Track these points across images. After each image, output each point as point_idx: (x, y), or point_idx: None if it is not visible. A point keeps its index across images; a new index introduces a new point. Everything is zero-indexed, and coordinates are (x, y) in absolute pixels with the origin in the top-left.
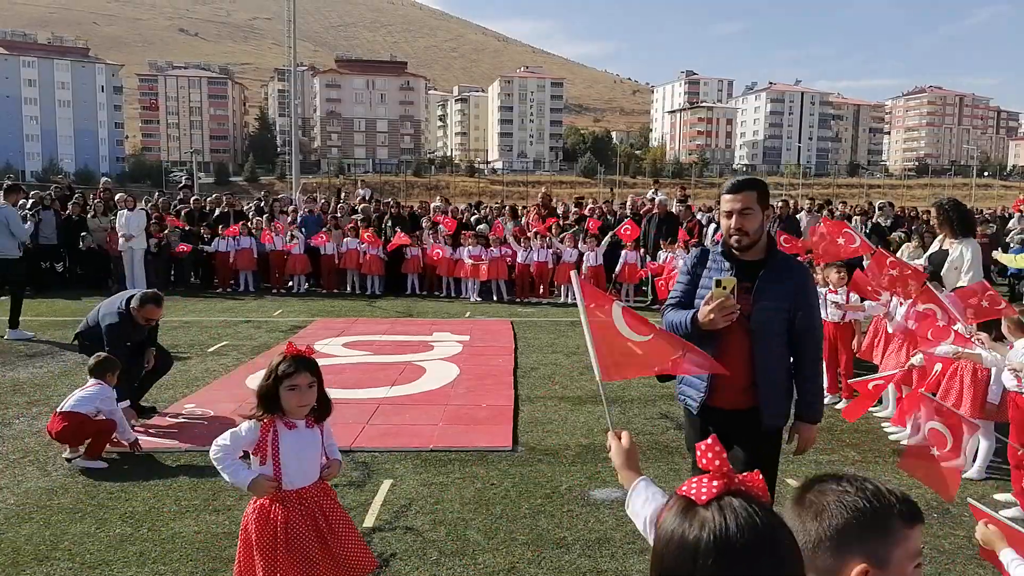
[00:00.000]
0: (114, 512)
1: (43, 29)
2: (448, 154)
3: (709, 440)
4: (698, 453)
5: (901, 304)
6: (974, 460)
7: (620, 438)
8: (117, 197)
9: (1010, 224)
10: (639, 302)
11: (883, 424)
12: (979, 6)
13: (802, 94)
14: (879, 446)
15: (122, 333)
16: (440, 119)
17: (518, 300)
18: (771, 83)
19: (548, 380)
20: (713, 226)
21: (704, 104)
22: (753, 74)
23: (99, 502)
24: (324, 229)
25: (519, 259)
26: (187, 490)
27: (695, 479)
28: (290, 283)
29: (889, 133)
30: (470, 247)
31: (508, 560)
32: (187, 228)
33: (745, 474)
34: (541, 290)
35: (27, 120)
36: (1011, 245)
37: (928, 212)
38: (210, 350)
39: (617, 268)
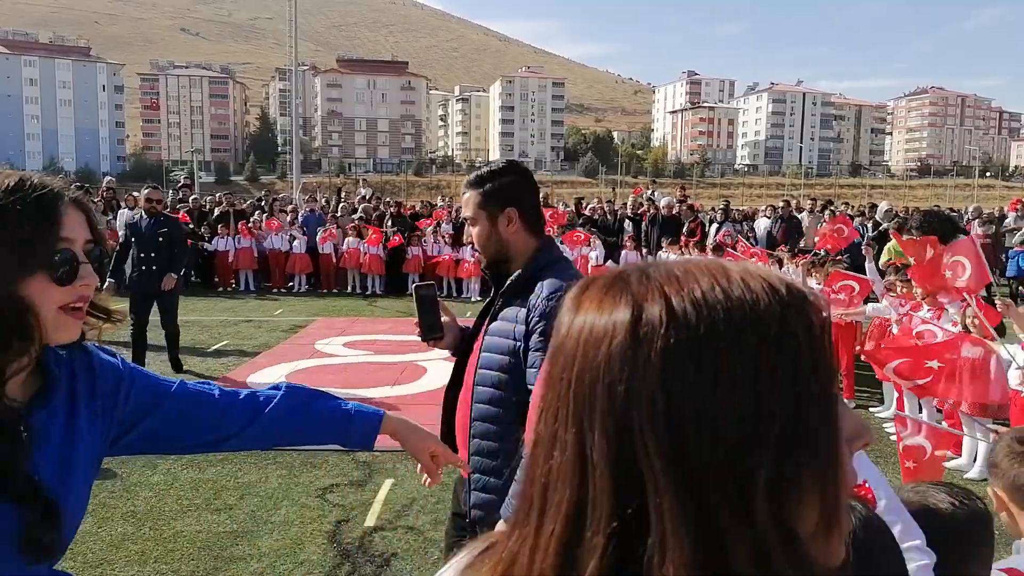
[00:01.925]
0: (116, 511)
1: (45, 29)
2: (449, 154)
3: None
4: None
5: (902, 305)
6: (974, 460)
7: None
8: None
9: (1006, 223)
10: None
11: (884, 425)
12: (981, 7)
13: (804, 94)
14: (880, 446)
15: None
16: (441, 119)
17: None
18: (773, 83)
19: None
20: (715, 226)
21: (706, 104)
22: (755, 74)
23: (100, 501)
24: (323, 229)
25: None
26: (188, 489)
27: None
28: (291, 283)
29: (891, 134)
30: (472, 246)
31: None
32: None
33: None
34: None
35: (28, 119)
36: (1011, 247)
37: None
38: (211, 349)
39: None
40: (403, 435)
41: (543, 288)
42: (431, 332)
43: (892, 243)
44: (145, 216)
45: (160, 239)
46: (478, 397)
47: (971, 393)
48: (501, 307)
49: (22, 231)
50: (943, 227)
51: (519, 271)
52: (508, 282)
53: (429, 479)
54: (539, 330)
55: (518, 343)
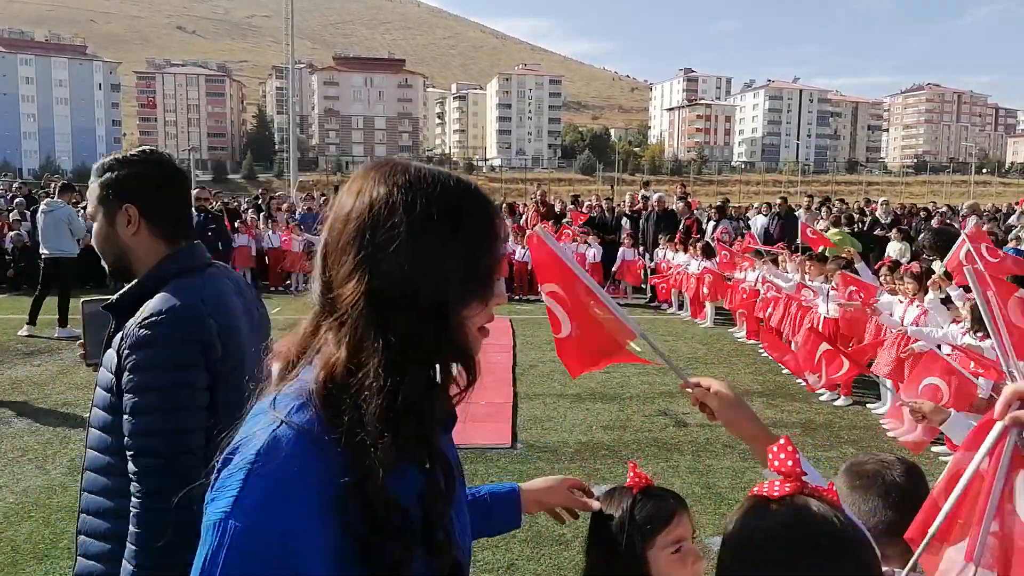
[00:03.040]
0: None
1: (41, 27)
2: (447, 152)
3: (782, 441)
4: (770, 456)
5: (900, 303)
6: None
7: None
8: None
9: (1011, 220)
10: (637, 298)
11: (882, 421)
12: (977, 4)
13: (800, 91)
14: (878, 443)
15: None
16: (438, 116)
17: (516, 298)
18: (769, 80)
19: (547, 377)
20: (712, 223)
21: (702, 102)
22: (751, 71)
23: None
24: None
25: (516, 257)
26: None
27: (767, 482)
28: (288, 281)
29: (887, 130)
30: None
31: (507, 557)
32: None
33: (817, 486)
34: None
35: (24, 118)
36: (1008, 243)
37: (924, 210)
38: None
39: (615, 266)
40: (543, 500)
41: (145, 308)
42: (98, 355)
43: (832, 232)
44: (194, 212)
45: (209, 234)
46: (89, 441)
47: (955, 387)
48: (115, 330)
49: (473, 245)
50: (939, 244)
51: (143, 284)
52: (114, 299)
53: (591, 506)
54: (130, 365)
55: (113, 382)
